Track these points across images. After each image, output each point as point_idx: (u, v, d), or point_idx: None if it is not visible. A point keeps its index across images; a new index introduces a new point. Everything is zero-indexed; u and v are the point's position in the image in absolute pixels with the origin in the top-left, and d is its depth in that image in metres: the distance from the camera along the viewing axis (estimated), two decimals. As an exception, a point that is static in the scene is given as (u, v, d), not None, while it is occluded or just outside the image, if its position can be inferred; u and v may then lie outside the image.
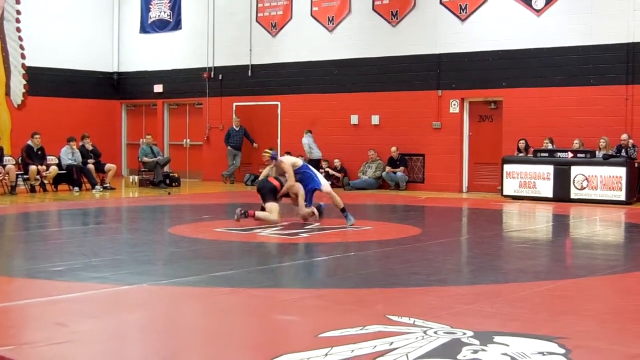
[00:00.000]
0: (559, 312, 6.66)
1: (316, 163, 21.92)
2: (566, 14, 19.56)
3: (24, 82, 24.74)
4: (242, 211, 12.68)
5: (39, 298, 7.24)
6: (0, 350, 5.15)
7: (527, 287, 7.76)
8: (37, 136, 20.44)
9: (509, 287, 7.78)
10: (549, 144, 19.11)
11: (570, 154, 18.19)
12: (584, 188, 17.88)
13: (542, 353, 5.18)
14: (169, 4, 26.49)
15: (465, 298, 7.23)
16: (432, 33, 21.45)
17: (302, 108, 23.58)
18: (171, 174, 23.53)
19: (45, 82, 24.25)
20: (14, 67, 24.55)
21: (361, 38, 22.67)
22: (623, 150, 18.03)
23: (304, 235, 11.63)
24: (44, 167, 20.20)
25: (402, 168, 21.80)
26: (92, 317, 6.40)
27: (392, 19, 22.09)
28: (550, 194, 18.27)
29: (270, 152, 13.67)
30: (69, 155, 20.68)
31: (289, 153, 23.17)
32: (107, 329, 6.01)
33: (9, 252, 10.71)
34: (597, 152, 18.21)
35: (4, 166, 19.68)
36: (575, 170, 17.96)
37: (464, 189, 21.34)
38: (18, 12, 24.70)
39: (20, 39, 24.70)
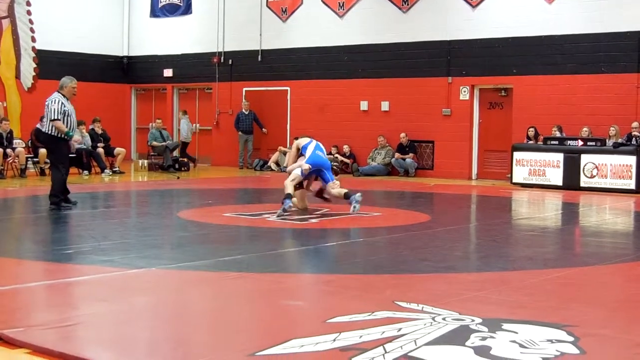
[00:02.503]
0: (567, 300, 6.65)
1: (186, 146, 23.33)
2: (577, 1, 19.47)
3: (34, 65, 24.77)
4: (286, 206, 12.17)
5: (48, 281, 7.25)
6: (9, 332, 5.17)
7: (536, 275, 7.74)
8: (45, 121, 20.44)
9: (518, 275, 7.77)
10: (557, 132, 19.05)
11: (580, 142, 18.13)
12: (594, 176, 17.83)
13: (551, 340, 5.18)
14: (179, -12, 26.44)
15: (473, 285, 7.22)
16: (443, 19, 21.39)
17: (312, 93, 23.56)
18: (180, 159, 23.54)
19: (55, 65, 24.26)
20: (24, 50, 24.57)
21: (371, 24, 22.61)
22: (633, 139, 17.96)
23: (313, 220, 11.63)
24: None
25: (411, 155, 21.78)
26: (101, 300, 6.41)
27: (402, 5, 22.02)
28: (559, 182, 18.22)
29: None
30: (79, 139, 20.69)
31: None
32: (116, 312, 6.02)
33: (18, 235, 10.74)
34: (607, 141, 18.14)
35: (13, 149, 19.72)
36: (585, 158, 17.90)
37: (474, 176, 21.31)
38: (29, -5, 24.72)
39: (30, 22, 24.72)
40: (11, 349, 5.00)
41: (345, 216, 12.19)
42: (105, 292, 6.76)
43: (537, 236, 11.01)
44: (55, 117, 12.44)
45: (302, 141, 13.17)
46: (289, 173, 12.71)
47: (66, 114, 12.49)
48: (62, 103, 12.48)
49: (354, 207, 12.21)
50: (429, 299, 6.32)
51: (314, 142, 13.05)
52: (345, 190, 12.64)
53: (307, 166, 12.53)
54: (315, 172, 12.81)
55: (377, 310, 5.86)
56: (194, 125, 26.55)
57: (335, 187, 12.70)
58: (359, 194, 12.44)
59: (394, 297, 6.38)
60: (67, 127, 12.50)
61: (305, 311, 6.21)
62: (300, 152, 13.00)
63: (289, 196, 12.15)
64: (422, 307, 5.98)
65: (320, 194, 13.24)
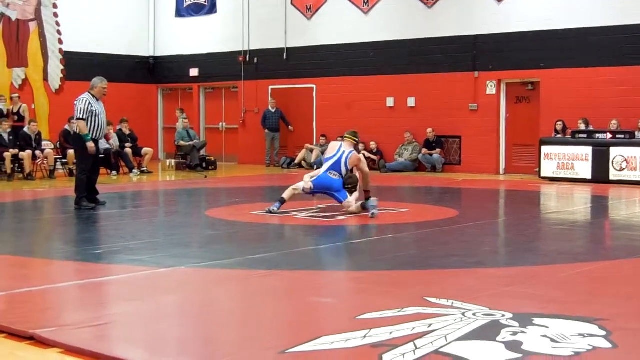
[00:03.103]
0: (598, 294, 6.60)
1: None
2: (605, -8, 19.33)
3: (62, 67, 24.94)
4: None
5: (78, 281, 7.30)
6: (41, 332, 5.20)
7: (566, 269, 7.69)
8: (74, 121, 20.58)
9: (548, 269, 7.72)
10: (582, 125, 18.89)
11: (609, 135, 17.99)
12: (623, 169, 17.68)
13: (583, 335, 5.14)
14: (204, -12, 26.51)
15: (503, 280, 7.18)
16: (469, 14, 21.30)
17: (338, 91, 23.53)
18: (207, 158, 23.60)
19: (82, 66, 24.39)
20: (51, 53, 24.74)
21: (397, 20, 22.56)
22: (663, 131, 17.82)
23: (341, 217, 11.61)
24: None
25: (438, 150, 21.71)
26: (130, 299, 6.44)
27: (428, 1, 21.95)
28: (588, 176, 18.09)
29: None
30: (106, 141, 20.79)
31: (324, 136, 23.19)
32: (145, 311, 6.04)
33: (48, 236, 10.82)
34: (636, 133, 17.99)
35: (42, 151, 19.85)
36: (614, 151, 17.75)
37: (501, 171, 21.22)
38: (55, -2, 24.88)
39: (57, 24, 24.88)
40: (43, 348, 5.04)
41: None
42: (135, 291, 6.79)
43: (566, 230, 10.94)
44: (81, 117, 12.54)
45: (329, 150, 12.37)
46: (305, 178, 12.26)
47: (94, 114, 12.57)
48: (89, 103, 12.56)
49: (372, 213, 11.45)
50: (459, 294, 6.29)
51: (337, 156, 12.03)
52: (361, 202, 11.92)
53: (307, 186, 11.98)
54: (323, 192, 12.19)
55: (407, 306, 5.84)
56: (221, 124, 26.62)
57: (352, 205, 11.84)
58: (373, 199, 11.74)
59: (423, 293, 6.35)
60: (94, 127, 12.57)
61: (334, 308, 6.20)
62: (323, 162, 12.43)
63: (281, 201, 11.91)
64: (452, 303, 5.95)
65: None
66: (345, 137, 12.44)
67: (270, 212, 11.72)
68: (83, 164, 12.89)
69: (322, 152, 22.75)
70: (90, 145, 12.54)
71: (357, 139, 12.61)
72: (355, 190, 12.22)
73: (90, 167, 12.83)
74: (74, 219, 11.93)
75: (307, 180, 12.03)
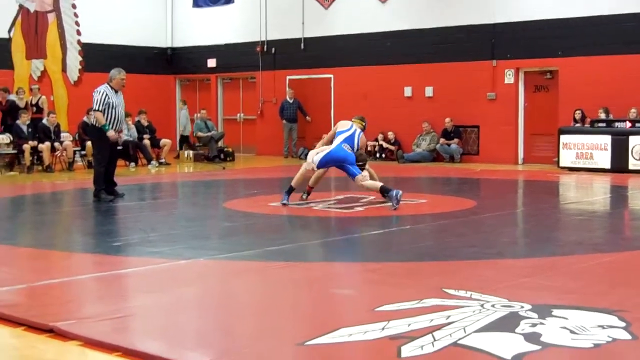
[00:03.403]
0: (617, 285, 6.58)
1: (186, 138, 22.44)
2: (624, -20, 19.19)
3: (80, 59, 25.01)
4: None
5: (98, 273, 7.34)
6: (62, 325, 5.24)
7: (585, 260, 7.67)
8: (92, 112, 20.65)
9: (567, 260, 7.70)
10: (603, 114, 18.78)
11: (628, 124, 17.89)
12: (643, 158, 17.60)
13: (602, 326, 5.13)
14: (221, -22, 26.51)
15: (522, 271, 7.17)
16: (486, 2, 21.20)
17: (356, 81, 23.50)
18: (225, 149, 23.64)
19: (100, 58, 24.44)
20: (69, 44, 24.81)
21: (414, 9, 22.49)
22: (683, 119, 17.70)
23: (359, 208, 11.62)
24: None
25: (456, 140, 21.66)
26: (150, 291, 6.48)
27: (445, -11, 21.88)
28: (607, 165, 17.99)
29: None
30: (125, 131, 20.83)
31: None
32: (165, 303, 6.08)
33: (67, 228, 10.88)
34: (656, 122, 17.90)
35: (61, 142, 19.95)
36: (633, 140, 17.65)
37: (520, 161, 21.15)
38: (73, -11, 24.94)
39: (75, 15, 24.94)
40: (64, 341, 5.08)
41: (389, 204, 12.14)
42: (154, 283, 6.83)
43: (586, 220, 10.90)
44: (97, 108, 12.58)
45: (341, 125, 12.37)
46: (310, 155, 12.21)
47: (110, 105, 12.58)
48: (106, 95, 12.57)
49: (394, 207, 11.25)
50: (477, 285, 6.29)
51: (351, 131, 12.13)
52: (381, 184, 11.74)
53: (310, 167, 11.91)
54: (337, 166, 12.01)
55: (425, 297, 5.85)
56: (238, 115, 26.65)
57: (365, 179, 11.78)
58: (399, 193, 11.43)
59: (441, 284, 6.36)
60: (111, 119, 12.60)
61: (352, 300, 6.21)
62: (335, 136, 12.22)
63: (290, 190, 11.91)
64: (471, 294, 5.95)
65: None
66: (354, 120, 12.56)
67: (284, 204, 11.74)
68: (100, 156, 12.93)
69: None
70: (111, 134, 12.56)
71: (364, 123, 12.65)
72: (365, 169, 12.11)
73: (107, 159, 12.85)
74: (93, 211, 11.99)
75: (309, 162, 11.96)
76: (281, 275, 7.09)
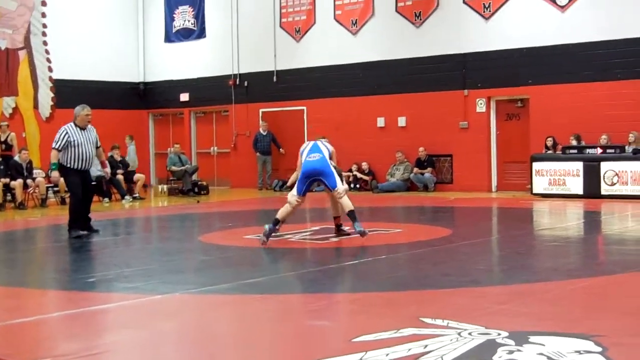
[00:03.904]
0: (594, 310, 6.60)
1: (132, 174, 22.06)
2: (591, 8, 19.40)
3: (52, 95, 24.94)
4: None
5: (73, 310, 7.27)
6: (36, 363, 5.18)
7: (561, 286, 7.70)
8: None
9: (542, 286, 7.72)
10: (574, 141, 18.93)
11: (599, 150, 18.04)
12: (615, 184, 17.73)
13: (579, 352, 5.13)
14: (193, 13, 26.58)
15: (498, 298, 7.18)
16: (457, 33, 21.38)
17: (328, 112, 23.56)
18: (199, 182, 23.58)
19: (72, 94, 24.34)
20: (41, 80, 24.74)
21: (385, 40, 22.64)
22: (653, 145, 17.87)
23: (334, 239, 11.60)
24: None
25: (429, 169, 21.73)
26: (126, 327, 6.43)
27: (415, 20, 22.04)
28: (580, 191, 18.11)
29: None
30: (98, 166, 20.69)
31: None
32: (141, 338, 6.02)
33: (41, 265, 10.78)
34: (626, 147, 18.05)
35: (34, 179, 19.81)
36: (605, 166, 17.80)
37: (493, 189, 21.24)
38: (44, 26, 24.89)
39: (47, 52, 24.89)
40: (39, 379, 5.02)
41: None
42: (130, 319, 6.77)
43: (560, 246, 10.95)
44: (54, 146, 12.53)
45: (302, 147, 11.78)
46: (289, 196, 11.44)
47: (71, 144, 12.42)
48: (67, 133, 12.43)
49: (356, 230, 11.01)
50: (454, 314, 6.29)
51: (312, 142, 11.68)
52: (352, 208, 11.16)
53: (293, 200, 11.23)
54: (313, 179, 11.40)
55: (402, 327, 5.83)
56: (212, 148, 26.62)
57: (343, 195, 11.22)
58: (364, 230, 11.08)
59: (419, 313, 6.35)
60: (73, 158, 12.44)
61: (330, 331, 6.19)
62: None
63: (276, 222, 11.17)
64: (448, 323, 5.94)
65: (336, 228, 11.88)
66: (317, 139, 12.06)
67: (266, 236, 11.02)
68: (72, 192, 12.87)
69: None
70: (53, 175, 12.57)
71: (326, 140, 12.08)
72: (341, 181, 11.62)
73: (80, 194, 12.69)
74: (66, 248, 11.89)
75: (291, 198, 11.27)
76: (257, 308, 7.05)
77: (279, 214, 11.23)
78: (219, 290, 7.81)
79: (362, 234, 11.06)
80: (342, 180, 11.78)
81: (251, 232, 12.32)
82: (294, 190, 11.37)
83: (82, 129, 12.60)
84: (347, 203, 11.20)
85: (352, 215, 11.13)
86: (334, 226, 11.93)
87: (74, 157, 12.49)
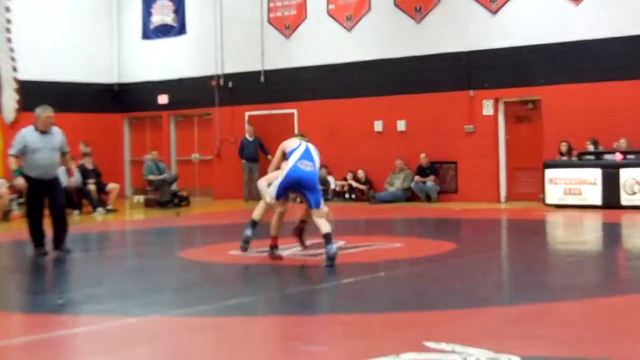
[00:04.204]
0: (613, 332, 6.58)
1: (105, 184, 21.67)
2: (608, 1, 19.44)
3: (17, 97, 24.84)
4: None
5: (40, 335, 7.21)
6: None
7: (578, 306, 7.68)
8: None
9: (557, 306, 7.71)
10: (591, 146, 18.90)
11: (619, 156, 18.03)
12: (636, 193, 17.72)
13: (598, 379, 5.10)
14: (172, 8, 26.58)
15: (509, 319, 7.15)
16: (461, 28, 21.39)
17: (321, 115, 23.54)
18: (180, 193, 23.54)
19: (39, 96, 24.11)
20: (5, 81, 24.64)
21: (383, 37, 22.64)
22: (677, 150, 17.88)
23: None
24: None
25: (432, 177, 21.72)
26: (99, 353, 6.38)
27: (415, 15, 22.06)
28: (598, 201, 18.10)
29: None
30: (62, 176, 20.61)
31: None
32: (113, 366, 5.98)
33: (4, 285, 10.71)
34: (648, 153, 18.08)
35: (-4, 190, 19.72)
36: (625, 173, 17.79)
37: (502, 199, 21.23)
38: (9, 22, 24.78)
39: (11, 50, 24.82)
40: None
41: (362, 249, 12.11)
42: (103, 344, 6.73)
43: (576, 262, 10.93)
44: (10, 152, 12.22)
45: (290, 143, 11.32)
46: (263, 187, 11.21)
47: (29, 149, 12.00)
48: (25, 137, 12.12)
49: (326, 263, 10.37)
50: (460, 337, 6.25)
51: (304, 145, 11.20)
52: (329, 230, 10.57)
53: (269, 200, 11.00)
54: (296, 190, 11.23)
55: (403, 352, 5.80)
56: (193, 155, 26.60)
57: (322, 215, 10.77)
58: (336, 251, 10.49)
59: (421, 336, 6.31)
60: (31, 165, 12.02)
61: (323, 356, 6.15)
62: (285, 157, 11.23)
63: (253, 224, 11.09)
64: (453, 347, 5.91)
65: (298, 231, 11.67)
66: (297, 136, 11.94)
67: (246, 243, 11.11)
68: (29, 204, 12.34)
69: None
70: (18, 182, 12.08)
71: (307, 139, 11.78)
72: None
73: (35, 209, 12.16)
74: (32, 266, 11.82)
75: (266, 193, 11.03)
76: (243, 332, 7.01)
77: (255, 214, 11.23)
78: (200, 312, 7.76)
79: (331, 259, 10.32)
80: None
81: (236, 248, 12.25)
82: (272, 192, 11.03)
83: (44, 132, 12.12)
84: (324, 224, 10.67)
85: (328, 237, 10.49)
86: (297, 225, 11.75)
87: (31, 164, 12.02)
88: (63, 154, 12.50)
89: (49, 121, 12.26)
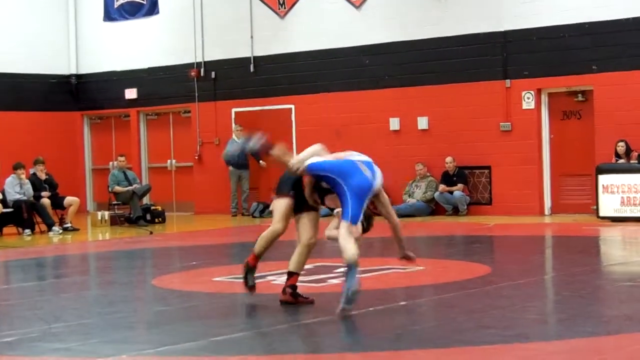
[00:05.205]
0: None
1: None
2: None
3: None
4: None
5: (-15, 380, 7.27)
6: None
7: (637, 340, 7.71)
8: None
9: (614, 340, 7.74)
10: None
11: (688, 158, 18.08)
12: None
13: None
14: (140, -19, 26.65)
15: (555, 357, 7.19)
16: (495, 4, 21.43)
17: (324, 111, 23.58)
18: (153, 207, 23.58)
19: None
20: None
21: (399, 15, 22.69)
22: None
23: (334, 281, 11.60)
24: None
25: (460, 186, 21.76)
26: (56, 402, 6.42)
27: (439, -13, 22.14)
28: (662, 213, 18.17)
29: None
30: (17, 187, 20.77)
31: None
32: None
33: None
34: None
35: None
36: (695, 179, 17.84)
37: (547, 211, 21.27)
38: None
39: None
40: None
41: (377, 273, 12.15)
42: (62, 391, 6.77)
43: (636, 287, 10.96)
44: None
45: (348, 153, 10.46)
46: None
47: None
48: None
49: (342, 306, 9.23)
50: (497, 379, 6.30)
51: (368, 158, 10.50)
52: (355, 257, 9.37)
53: (352, 228, 9.60)
54: (329, 189, 9.97)
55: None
56: (169, 161, 26.63)
57: (350, 235, 9.58)
58: (355, 290, 9.30)
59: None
60: None
61: (330, 404, 6.20)
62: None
63: (352, 267, 9.36)
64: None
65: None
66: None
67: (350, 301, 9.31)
68: None
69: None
70: None
71: None
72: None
73: None
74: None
75: (351, 229, 9.63)
76: (233, 375, 7.06)
77: (349, 255, 9.42)
78: (181, 351, 7.80)
79: (349, 301, 9.26)
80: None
81: (222, 273, 12.32)
82: (348, 217, 9.72)
83: None
84: (346, 249, 9.51)
85: (349, 269, 9.42)
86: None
87: None
88: None
89: None
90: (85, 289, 12.77)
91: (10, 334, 9.21)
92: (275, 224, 10.08)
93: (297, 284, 10.01)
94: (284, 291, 9.97)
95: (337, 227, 9.73)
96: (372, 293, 10.85)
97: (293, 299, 9.94)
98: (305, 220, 9.89)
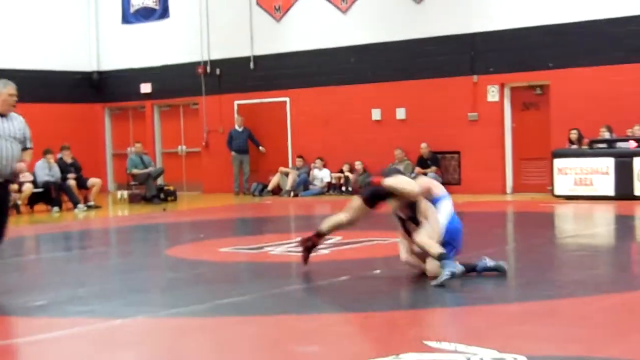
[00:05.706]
0: (626, 331, 6.64)
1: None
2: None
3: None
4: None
5: (19, 339, 7.26)
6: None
7: (588, 302, 7.73)
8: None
9: (566, 303, 7.76)
10: (606, 133, 18.97)
11: (633, 144, 18.07)
12: (650, 183, 17.79)
13: (609, 378, 5.17)
14: (154, -11, 26.57)
15: (514, 318, 7.22)
16: (464, 8, 21.39)
17: (315, 103, 23.57)
18: (166, 187, 23.57)
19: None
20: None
21: (381, 19, 22.64)
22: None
23: (324, 252, 11.60)
24: (16, 186, 20.23)
25: (434, 168, 21.75)
26: (82, 357, 6.42)
27: (415, -5, 22.08)
28: (610, 192, 18.16)
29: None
30: (46, 170, 20.74)
31: (301, 157, 23.27)
32: (99, 370, 6.03)
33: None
34: (663, 140, 18.12)
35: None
36: (639, 162, 17.83)
37: (509, 190, 21.28)
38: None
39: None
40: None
41: (360, 244, 12.16)
42: (87, 347, 6.76)
43: (587, 256, 10.98)
44: None
45: (435, 187, 10.50)
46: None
47: None
48: None
49: (439, 281, 8.52)
50: (463, 336, 6.32)
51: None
52: (440, 250, 8.94)
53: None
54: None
55: (403, 352, 5.85)
56: (180, 147, 26.61)
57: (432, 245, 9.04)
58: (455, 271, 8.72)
59: (421, 335, 6.38)
60: None
61: (320, 358, 6.21)
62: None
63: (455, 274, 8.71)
64: (456, 347, 5.96)
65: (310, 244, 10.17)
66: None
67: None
68: None
69: (308, 175, 22.82)
70: None
71: None
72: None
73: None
74: (10, 266, 11.84)
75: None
76: (236, 333, 7.06)
77: (435, 252, 8.94)
78: (190, 313, 7.83)
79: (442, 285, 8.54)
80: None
81: (227, 244, 12.33)
82: (441, 221, 9.65)
83: (2, 116, 9.39)
84: (429, 245, 9.13)
85: (441, 258, 8.85)
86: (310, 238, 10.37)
87: None
88: (25, 148, 9.58)
89: (10, 100, 9.51)
90: (106, 258, 12.77)
91: (41, 298, 9.21)
92: (343, 212, 9.96)
93: (293, 252, 9.98)
94: (307, 239, 10.11)
95: (407, 251, 9.55)
96: (355, 262, 10.87)
97: (304, 249, 10.12)
98: (362, 207, 9.81)
